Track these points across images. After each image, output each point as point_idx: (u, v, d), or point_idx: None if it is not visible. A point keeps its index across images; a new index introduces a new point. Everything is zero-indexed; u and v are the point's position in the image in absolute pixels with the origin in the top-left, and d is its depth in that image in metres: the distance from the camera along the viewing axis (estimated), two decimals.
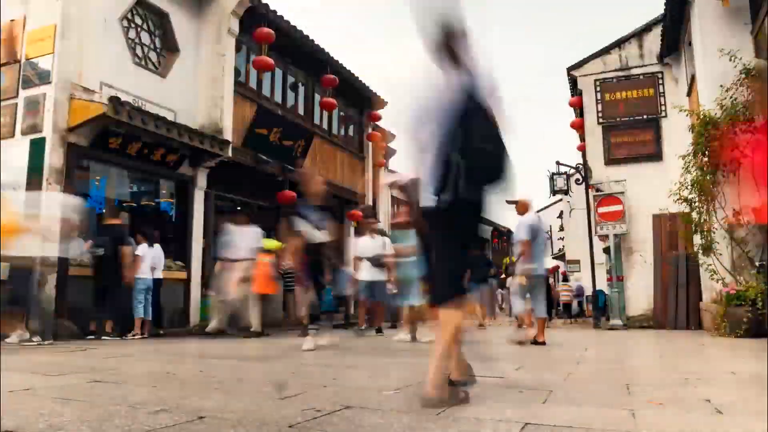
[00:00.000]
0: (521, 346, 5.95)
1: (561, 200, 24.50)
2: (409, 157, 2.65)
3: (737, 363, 4.44)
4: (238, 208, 10.38)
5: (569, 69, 13.77)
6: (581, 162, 13.73)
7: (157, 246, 7.80)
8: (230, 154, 9.33)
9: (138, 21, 8.80)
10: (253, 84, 10.79)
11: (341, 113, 13.99)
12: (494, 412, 2.24)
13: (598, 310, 12.91)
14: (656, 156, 12.27)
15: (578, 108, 13.91)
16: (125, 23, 8.52)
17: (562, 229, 29.41)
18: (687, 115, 8.97)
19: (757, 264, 7.68)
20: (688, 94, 10.67)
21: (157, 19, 9.13)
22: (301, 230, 5.39)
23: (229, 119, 9.52)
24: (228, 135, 9.38)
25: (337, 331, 8.36)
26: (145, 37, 8.94)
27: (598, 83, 13.18)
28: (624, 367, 4.13)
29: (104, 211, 7.98)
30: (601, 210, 12.01)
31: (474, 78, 2.51)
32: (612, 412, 2.23)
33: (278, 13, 10.42)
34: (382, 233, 8.75)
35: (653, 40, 12.50)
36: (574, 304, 19.00)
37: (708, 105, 8.21)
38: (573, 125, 14.21)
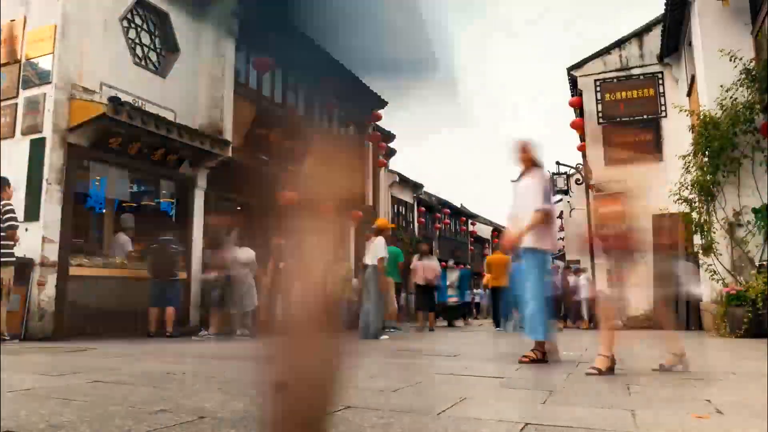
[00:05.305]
0: None
1: (561, 200, 24.48)
2: None
3: (737, 363, 4.44)
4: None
5: (569, 69, 13.78)
6: (581, 162, 13.74)
7: None
8: (230, 154, 9.33)
9: (138, 21, 8.80)
10: (253, 84, 10.79)
11: (342, 113, 13.98)
12: (494, 412, 2.24)
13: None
14: (656, 156, 12.27)
15: (578, 108, 13.91)
16: (125, 23, 8.52)
17: (562, 229, 29.40)
18: (687, 115, 8.97)
19: (756, 264, 7.69)
20: (689, 94, 10.67)
21: (157, 19, 9.13)
22: None
23: (229, 119, 9.52)
24: (228, 135, 9.38)
25: None
26: (145, 38, 8.94)
27: (598, 83, 13.19)
28: (624, 368, 4.12)
29: None
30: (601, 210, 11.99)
31: None
32: (612, 412, 2.23)
33: None
34: None
35: (653, 41, 12.51)
36: None
37: (708, 105, 8.21)
38: (573, 125, 14.23)
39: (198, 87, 9.58)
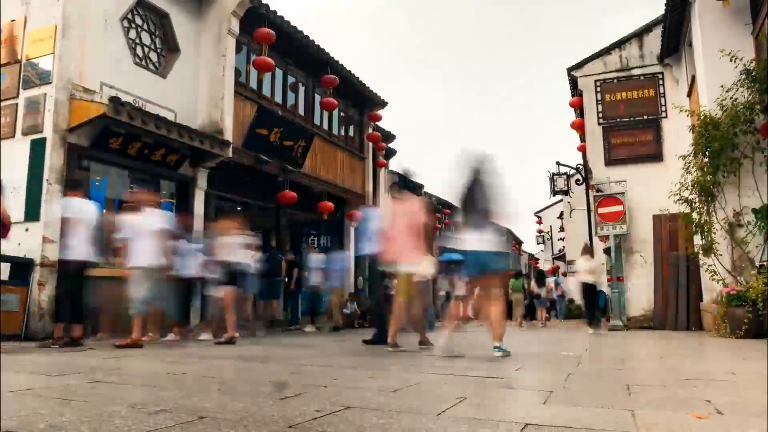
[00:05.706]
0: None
1: (561, 200, 24.49)
2: None
3: (737, 363, 4.44)
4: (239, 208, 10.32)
5: (570, 69, 13.77)
6: (581, 162, 13.73)
7: None
8: (230, 154, 9.33)
9: (138, 21, 8.81)
10: (253, 84, 10.79)
11: (341, 113, 13.99)
12: (494, 412, 2.24)
13: (599, 310, 12.89)
14: (656, 156, 12.26)
15: (578, 108, 13.90)
16: (126, 23, 8.53)
17: (562, 229, 29.41)
18: (687, 116, 8.97)
19: (757, 264, 7.68)
20: (689, 95, 10.66)
21: (157, 19, 9.14)
22: None
23: (229, 119, 9.53)
24: (228, 135, 9.38)
25: None
26: (146, 38, 8.94)
27: (598, 84, 13.17)
28: (624, 368, 4.13)
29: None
30: (602, 210, 11.99)
31: None
32: (612, 412, 2.23)
33: (278, 14, 10.43)
34: None
35: (654, 41, 12.49)
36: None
37: (708, 105, 8.21)
38: (573, 126, 14.21)
39: (198, 87, 9.58)
